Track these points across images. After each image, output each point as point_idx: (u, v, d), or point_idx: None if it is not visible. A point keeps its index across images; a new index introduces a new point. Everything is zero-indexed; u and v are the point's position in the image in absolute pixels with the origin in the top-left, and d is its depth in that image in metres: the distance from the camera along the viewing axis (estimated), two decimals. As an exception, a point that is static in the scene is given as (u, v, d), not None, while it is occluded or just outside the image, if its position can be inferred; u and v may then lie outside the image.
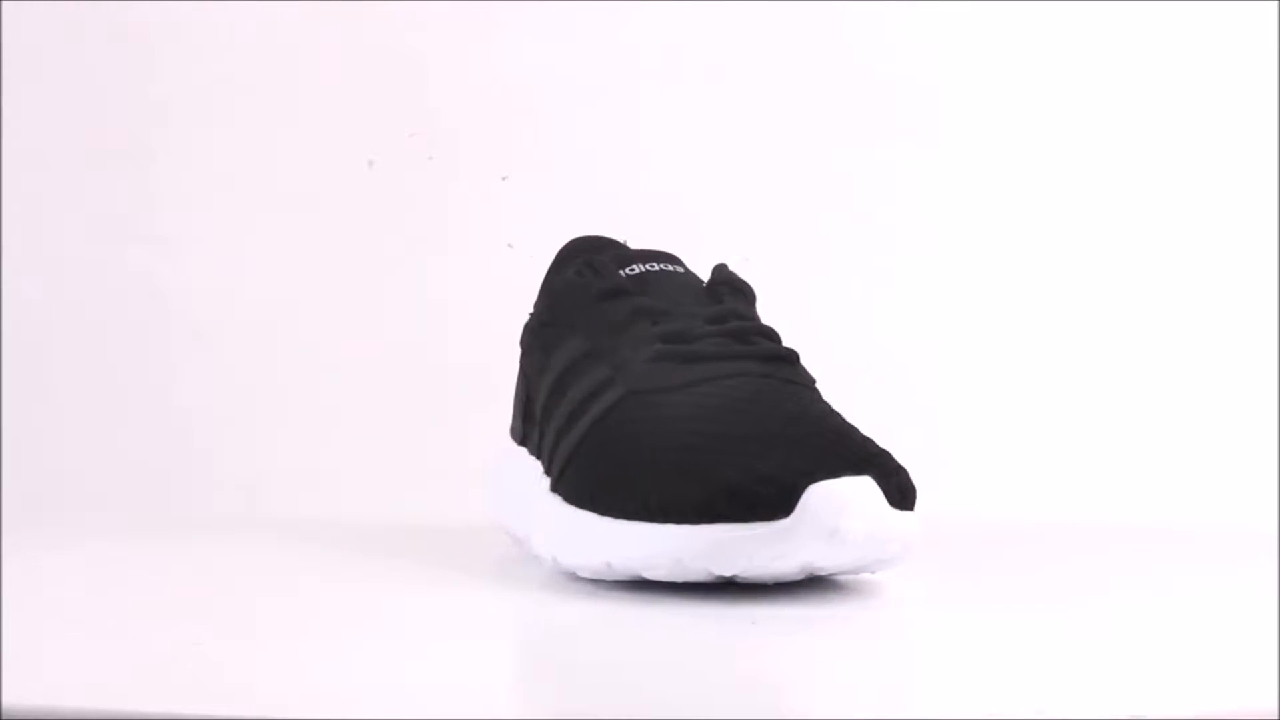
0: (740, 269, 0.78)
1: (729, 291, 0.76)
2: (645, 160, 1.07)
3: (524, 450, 0.78)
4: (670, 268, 0.76)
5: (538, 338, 0.77)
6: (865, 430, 0.70)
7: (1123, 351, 1.05)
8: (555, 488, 0.72)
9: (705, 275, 0.77)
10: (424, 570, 0.75)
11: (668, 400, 0.71)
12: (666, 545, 0.67)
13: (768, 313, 0.77)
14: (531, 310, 0.79)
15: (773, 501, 0.65)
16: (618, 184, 1.07)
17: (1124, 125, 1.07)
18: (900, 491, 0.67)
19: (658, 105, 1.07)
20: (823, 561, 0.66)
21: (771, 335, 0.74)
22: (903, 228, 1.07)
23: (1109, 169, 1.07)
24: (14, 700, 0.49)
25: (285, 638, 0.63)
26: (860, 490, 0.66)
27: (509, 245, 0.80)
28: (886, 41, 1.08)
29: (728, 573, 0.66)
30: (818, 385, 0.73)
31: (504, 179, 1.06)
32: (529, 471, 0.76)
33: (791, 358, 0.73)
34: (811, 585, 0.69)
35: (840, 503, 0.65)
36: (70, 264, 1.07)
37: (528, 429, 0.78)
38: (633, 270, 0.75)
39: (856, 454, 0.67)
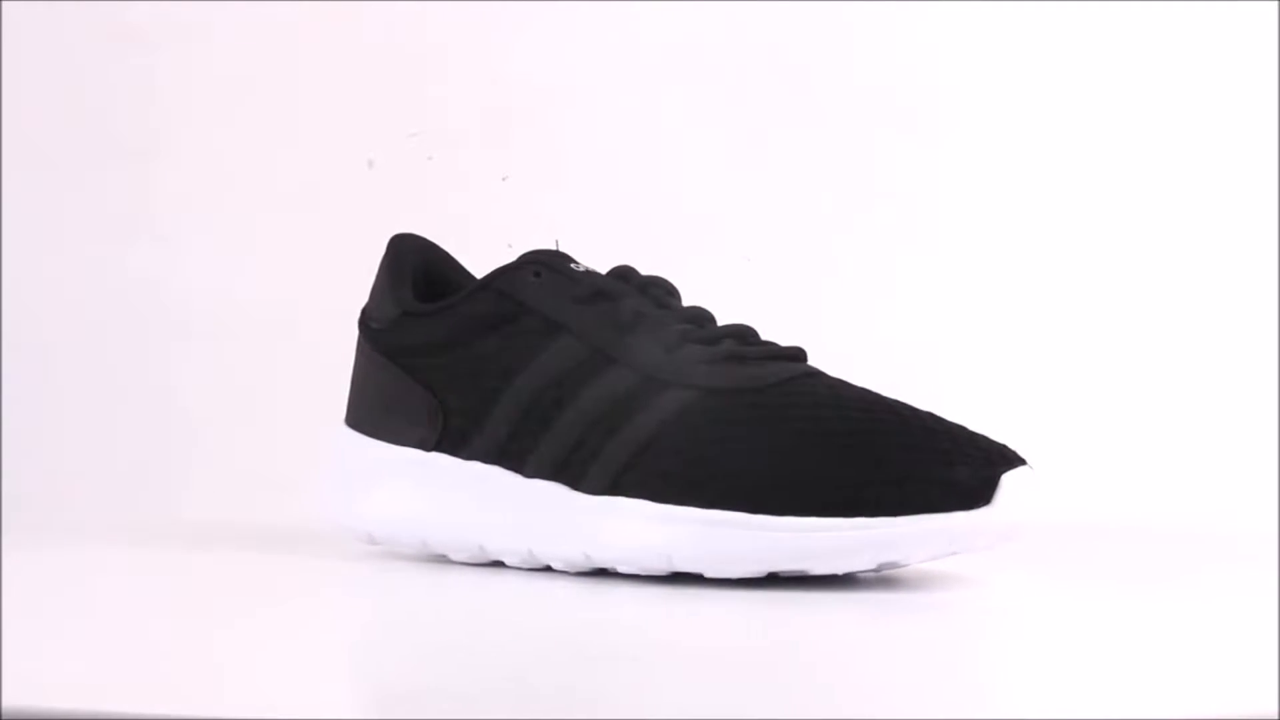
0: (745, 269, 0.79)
1: (665, 293, 0.75)
2: (646, 160, 1.07)
3: (439, 456, 0.75)
4: (589, 267, 0.76)
5: (505, 338, 0.74)
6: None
7: (1123, 351, 1.05)
8: (614, 490, 0.71)
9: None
10: (438, 571, 0.75)
11: (770, 401, 0.71)
12: (858, 538, 0.69)
13: (770, 312, 0.77)
14: (396, 313, 0.76)
15: (975, 492, 0.69)
16: (618, 184, 1.07)
17: (1126, 125, 1.07)
18: None
19: (658, 105, 1.07)
20: (987, 546, 0.70)
21: (752, 332, 0.75)
22: (904, 228, 1.07)
23: (1110, 170, 1.07)
24: (14, 700, 0.49)
25: (286, 638, 0.63)
26: (1035, 479, 0.71)
27: (509, 245, 0.80)
28: (888, 41, 1.08)
29: (914, 561, 0.70)
30: None
31: (504, 179, 1.06)
32: (475, 479, 0.73)
33: (804, 355, 0.74)
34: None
35: (1025, 491, 0.70)
36: (70, 264, 1.07)
37: (455, 435, 0.74)
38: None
39: (1000, 445, 0.71)
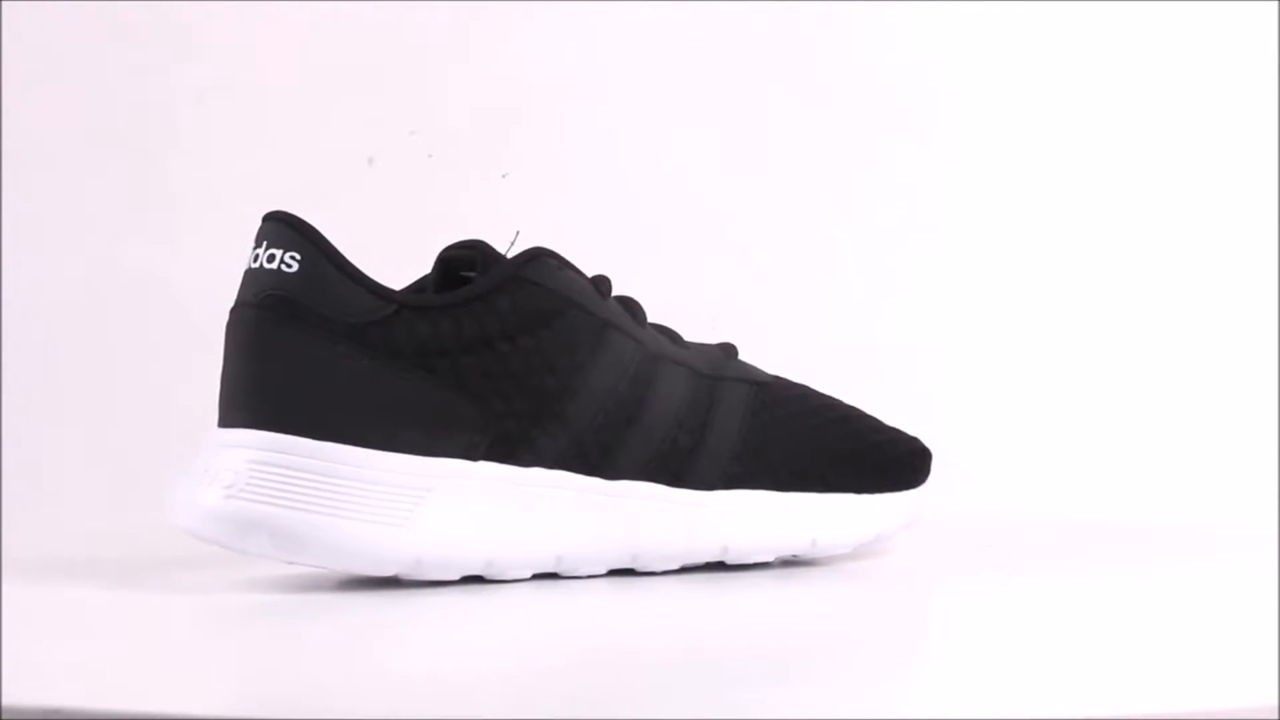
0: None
1: None
2: (646, 159, 1.07)
3: (490, 465, 0.67)
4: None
5: (558, 333, 0.68)
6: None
7: (1123, 350, 1.05)
8: (729, 484, 0.72)
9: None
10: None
11: (788, 394, 0.75)
12: (912, 510, 0.76)
13: (772, 311, 0.78)
14: (385, 307, 0.67)
15: (926, 468, 0.76)
16: (618, 183, 1.07)
17: (1126, 125, 1.07)
18: None
19: (659, 105, 1.07)
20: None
21: None
22: (903, 228, 1.07)
23: (1110, 170, 1.07)
24: (14, 700, 0.49)
25: (285, 638, 0.63)
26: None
27: (509, 245, 0.80)
28: (887, 41, 1.08)
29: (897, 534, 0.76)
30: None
31: (504, 177, 1.06)
32: (546, 486, 0.68)
33: None
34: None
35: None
36: (70, 264, 1.07)
37: (511, 440, 0.67)
38: None
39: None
